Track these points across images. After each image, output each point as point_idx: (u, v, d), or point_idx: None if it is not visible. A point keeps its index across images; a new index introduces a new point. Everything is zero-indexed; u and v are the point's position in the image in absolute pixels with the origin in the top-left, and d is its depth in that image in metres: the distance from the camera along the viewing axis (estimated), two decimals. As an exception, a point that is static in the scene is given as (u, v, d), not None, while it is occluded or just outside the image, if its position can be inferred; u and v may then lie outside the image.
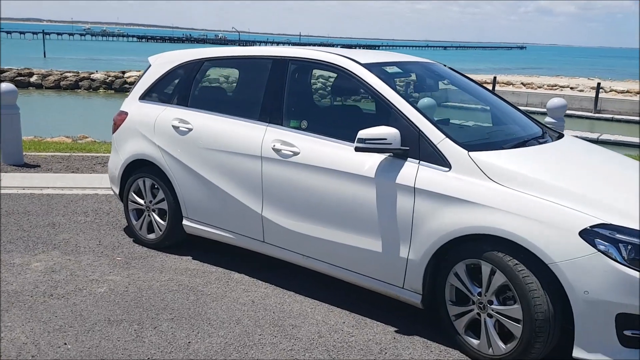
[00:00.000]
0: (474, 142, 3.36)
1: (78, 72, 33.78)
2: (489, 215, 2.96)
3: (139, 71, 34.28)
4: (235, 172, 3.99)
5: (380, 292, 3.50)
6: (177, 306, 3.66)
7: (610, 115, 25.41)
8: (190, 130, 4.25)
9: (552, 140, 3.75)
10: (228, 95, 4.86)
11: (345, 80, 3.78)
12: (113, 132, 4.84)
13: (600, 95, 26.85)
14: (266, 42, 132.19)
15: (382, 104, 3.50)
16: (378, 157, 3.39)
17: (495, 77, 30.89)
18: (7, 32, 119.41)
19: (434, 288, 3.28)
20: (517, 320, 2.93)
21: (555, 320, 2.86)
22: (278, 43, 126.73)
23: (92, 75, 33.30)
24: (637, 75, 53.11)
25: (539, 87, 35.83)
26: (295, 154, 3.69)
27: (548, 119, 7.44)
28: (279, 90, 3.93)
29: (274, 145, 3.78)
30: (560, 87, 35.91)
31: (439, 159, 3.21)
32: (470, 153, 3.16)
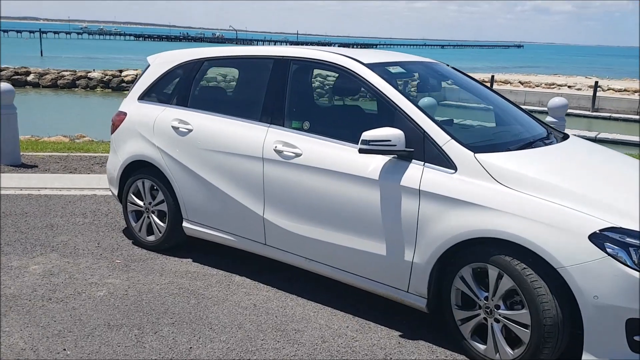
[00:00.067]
0: (480, 143, 3.32)
1: (75, 71, 33.65)
2: (496, 218, 2.91)
3: (137, 70, 34.17)
4: (236, 174, 3.93)
5: (385, 295, 3.45)
6: (178, 310, 3.60)
7: (608, 114, 25.41)
8: (190, 131, 4.20)
9: (558, 141, 3.71)
10: (228, 96, 4.79)
11: (348, 81, 3.73)
12: (112, 133, 4.78)
13: (597, 93, 26.84)
14: (264, 41, 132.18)
15: (386, 105, 3.45)
16: (382, 159, 3.34)
17: (492, 76, 30.87)
18: (4, 31, 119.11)
19: (440, 292, 3.23)
20: (525, 326, 2.88)
21: (564, 325, 2.81)
22: (276, 42, 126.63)
23: (89, 74, 33.18)
24: (634, 74, 53.18)
25: (537, 86, 35.81)
26: (298, 155, 3.64)
27: (549, 119, 7.39)
28: (281, 90, 3.87)
29: (276, 147, 3.73)
30: (558, 85, 35.92)
31: (444, 161, 3.16)
32: (476, 155, 3.11)
